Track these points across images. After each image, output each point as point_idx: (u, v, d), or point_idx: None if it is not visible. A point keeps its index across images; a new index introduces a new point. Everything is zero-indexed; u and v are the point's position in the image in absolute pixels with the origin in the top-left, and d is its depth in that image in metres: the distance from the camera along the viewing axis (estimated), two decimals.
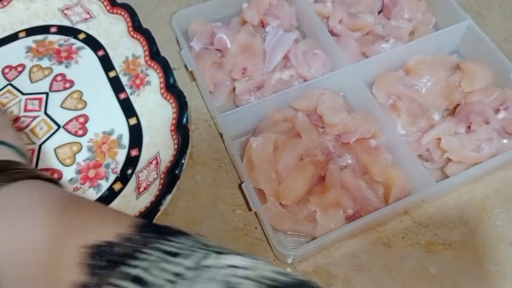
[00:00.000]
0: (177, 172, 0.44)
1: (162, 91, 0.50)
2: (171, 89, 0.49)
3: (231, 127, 0.48)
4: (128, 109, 0.51)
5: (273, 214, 0.42)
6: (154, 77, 0.51)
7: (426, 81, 0.50)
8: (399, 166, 0.45)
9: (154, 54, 0.52)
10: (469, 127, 0.46)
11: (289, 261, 0.42)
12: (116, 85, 0.53)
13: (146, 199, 0.43)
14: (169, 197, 0.42)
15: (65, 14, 0.59)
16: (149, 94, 0.51)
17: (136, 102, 0.51)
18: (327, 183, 0.44)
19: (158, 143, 0.48)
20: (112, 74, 0.54)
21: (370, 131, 0.46)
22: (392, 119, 0.48)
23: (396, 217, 0.45)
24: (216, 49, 0.54)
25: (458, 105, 0.49)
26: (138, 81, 0.52)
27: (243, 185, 0.42)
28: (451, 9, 0.53)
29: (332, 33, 0.55)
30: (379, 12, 0.57)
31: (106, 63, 0.55)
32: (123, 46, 0.55)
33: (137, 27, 0.54)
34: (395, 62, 0.51)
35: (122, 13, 0.56)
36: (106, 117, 0.51)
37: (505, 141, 0.45)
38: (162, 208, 0.42)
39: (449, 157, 0.44)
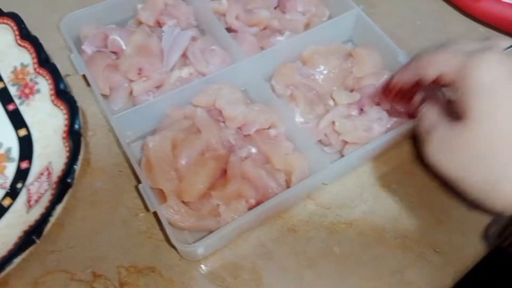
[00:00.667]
0: (69, 180, 0.41)
1: (53, 98, 0.47)
2: (62, 95, 0.47)
3: (129, 129, 0.46)
4: (17, 120, 0.48)
5: (174, 212, 0.41)
6: (44, 85, 0.48)
7: (321, 70, 0.51)
8: (300, 153, 0.46)
9: (43, 61, 0.49)
10: (362, 109, 0.48)
11: (198, 258, 0.41)
12: (4, 96, 0.50)
13: (37, 212, 0.41)
14: (59, 207, 0.40)
15: None
16: (40, 103, 0.48)
17: (26, 112, 0.48)
18: (228, 175, 0.43)
19: (50, 153, 0.45)
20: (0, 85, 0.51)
21: (268, 121, 0.46)
22: (291, 108, 0.49)
23: (300, 202, 0.45)
24: (111, 52, 0.52)
25: (352, 90, 0.51)
26: (27, 90, 0.49)
27: (139, 186, 0.41)
28: (343, 1, 0.56)
29: (230, 29, 0.55)
30: (276, 8, 0.58)
31: None
32: (11, 56, 0.51)
33: (24, 35, 0.51)
34: (291, 53, 0.52)
35: (9, 22, 0.52)
36: None
37: (395, 119, 0.47)
38: (52, 219, 0.39)
39: (344, 139, 0.46)
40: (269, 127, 0.47)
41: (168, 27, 0.53)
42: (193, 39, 0.52)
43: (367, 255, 0.43)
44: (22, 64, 0.51)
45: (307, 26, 0.57)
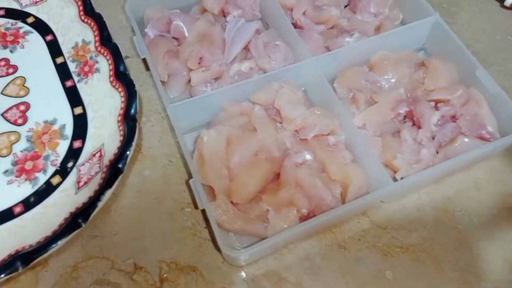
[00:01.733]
0: (120, 165, 0.40)
1: (111, 79, 0.47)
2: (121, 77, 0.46)
3: (184, 119, 0.45)
4: (74, 97, 0.48)
5: (222, 212, 0.39)
6: (104, 64, 0.48)
7: (390, 77, 0.48)
8: (358, 165, 0.43)
9: (105, 40, 0.49)
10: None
11: (241, 264, 0.39)
12: (63, 72, 0.49)
13: (85, 194, 0.40)
14: (109, 193, 0.39)
15: None
16: (98, 82, 0.48)
17: (83, 90, 0.48)
18: (281, 180, 0.41)
19: (104, 134, 0.44)
20: (59, 60, 0.50)
21: (329, 127, 0.44)
22: (351, 113, 0.46)
23: (353, 218, 0.43)
24: (173, 38, 0.51)
25: None
26: (86, 68, 0.49)
27: (190, 181, 0.39)
28: (419, 5, 0.52)
29: (296, 25, 0.53)
30: (346, 6, 0.55)
31: (54, 49, 0.51)
32: (74, 31, 0.51)
33: (88, 11, 0.51)
34: (358, 57, 0.49)
35: None
36: (50, 106, 0.47)
37: (466, 140, 0.43)
38: (100, 204, 0.38)
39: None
40: (329, 134, 0.44)
41: (233, 17, 0.51)
42: (257, 32, 0.50)
43: (422, 285, 0.39)
44: (83, 41, 0.51)
45: (378, 29, 0.53)
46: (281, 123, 0.45)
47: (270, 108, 0.45)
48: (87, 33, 0.50)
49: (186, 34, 0.49)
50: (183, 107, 0.43)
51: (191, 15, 0.51)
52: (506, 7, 0.58)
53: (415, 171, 0.42)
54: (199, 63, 0.47)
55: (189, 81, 0.48)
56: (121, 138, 0.42)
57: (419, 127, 0.45)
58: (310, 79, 0.48)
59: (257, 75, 0.48)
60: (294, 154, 0.42)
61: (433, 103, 0.46)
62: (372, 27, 0.52)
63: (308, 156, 0.43)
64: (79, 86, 0.48)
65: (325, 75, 0.48)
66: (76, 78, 0.49)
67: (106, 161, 0.42)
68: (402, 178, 0.42)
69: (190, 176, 0.43)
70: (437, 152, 0.44)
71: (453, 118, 0.46)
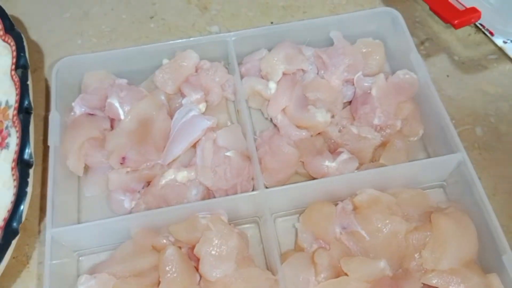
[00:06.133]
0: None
1: (12, 165, 0.37)
2: (20, 165, 0.36)
3: (78, 243, 0.34)
4: None
5: None
6: (13, 141, 0.38)
7: (376, 230, 0.34)
8: None
9: (23, 110, 0.39)
10: None
11: None
12: None
13: None
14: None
15: None
16: (3, 163, 0.38)
17: None
18: None
19: None
20: None
21: None
22: (305, 281, 0.32)
23: None
24: (110, 117, 0.40)
25: None
26: None
27: None
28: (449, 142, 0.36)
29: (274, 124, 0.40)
30: (346, 105, 0.41)
31: None
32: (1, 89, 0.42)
33: (20, 66, 0.41)
34: (339, 188, 0.35)
35: (12, 43, 0.43)
36: None
37: None
38: None
39: None
40: None
41: (190, 102, 0.39)
42: (210, 129, 0.38)
43: None
44: (7, 103, 0.41)
45: (383, 145, 0.38)
46: None
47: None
48: (12, 94, 0.41)
49: (121, 117, 0.38)
50: (73, 234, 0.32)
51: (137, 91, 0.39)
52: None
53: None
54: (121, 163, 0.36)
55: None
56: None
57: None
58: (263, 212, 0.35)
59: (195, 191, 0.36)
60: None
61: None
62: (370, 147, 0.37)
63: None
64: None
65: (291, 205, 0.35)
66: None
67: None
68: None
69: None
70: None
71: None
